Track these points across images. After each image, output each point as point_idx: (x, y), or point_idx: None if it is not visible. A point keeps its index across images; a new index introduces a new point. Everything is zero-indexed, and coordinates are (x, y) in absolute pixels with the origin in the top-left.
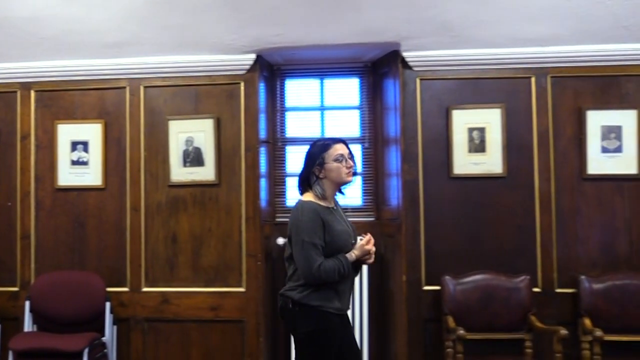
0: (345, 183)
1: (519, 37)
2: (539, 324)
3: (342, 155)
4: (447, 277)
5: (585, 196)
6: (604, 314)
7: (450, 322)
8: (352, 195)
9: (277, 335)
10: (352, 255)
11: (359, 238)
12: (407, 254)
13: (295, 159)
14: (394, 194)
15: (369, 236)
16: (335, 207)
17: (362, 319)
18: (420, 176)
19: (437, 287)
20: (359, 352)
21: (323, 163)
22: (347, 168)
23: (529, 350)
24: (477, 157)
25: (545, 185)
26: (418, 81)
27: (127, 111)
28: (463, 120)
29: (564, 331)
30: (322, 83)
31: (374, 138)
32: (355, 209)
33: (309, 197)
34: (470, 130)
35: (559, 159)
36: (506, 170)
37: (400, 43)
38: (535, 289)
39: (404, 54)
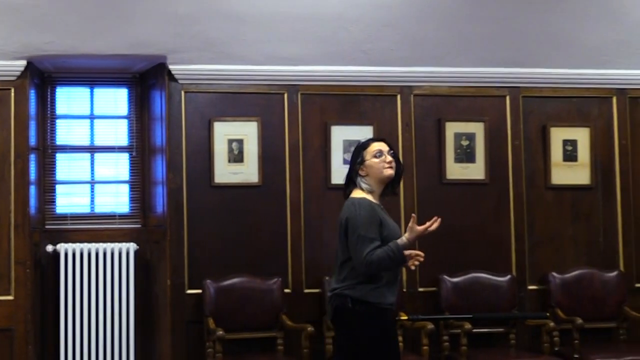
0: (386, 178)
1: (274, 56)
2: (289, 323)
3: (380, 151)
4: (209, 281)
5: (329, 204)
6: None
7: (211, 323)
8: (119, 202)
9: (45, 342)
10: (403, 239)
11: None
12: (172, 259)
13: (65, 167)
14: (160, 202)
15: (434, 219)
16: (382, 206)
17: (129, 323)
18: (184, 184)
19: (199, 291)
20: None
21: (364, 160)
22: (387, 163)
23: (280, 347)
24: (236, 167)
25: (296, 194)
26: (183, 93)
27: None
28: (223, 131)
29: (310, 328)
30: (92, 92)
31: (142, 147)
32: (122, 216)
33: (359, 194)
34: (230, 141)
35: (308, 170)
36: (261, 180)
37: (167, 56)
38: (287, 290)
39: (170, 67)
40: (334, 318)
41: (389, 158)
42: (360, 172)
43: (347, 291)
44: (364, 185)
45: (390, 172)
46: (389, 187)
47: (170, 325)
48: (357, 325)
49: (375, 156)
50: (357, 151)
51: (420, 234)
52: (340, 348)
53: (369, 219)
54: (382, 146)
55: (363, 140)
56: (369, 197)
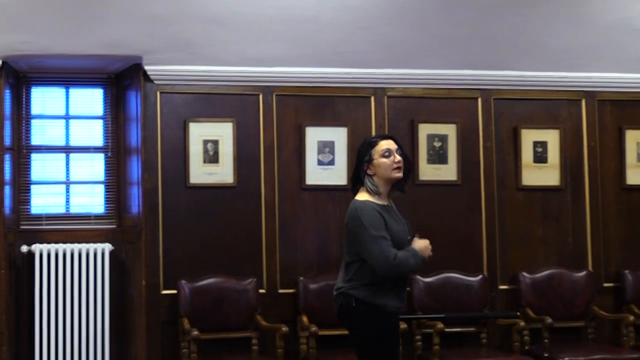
0: (394, 179)
1: (249, 57)
2: (264, 323)
3: (389, 150)
4: (183, 281)
5: (304, 204)
6: (318, 311)
7: (186, 324)
8: (95, 202)
9: (20, 343)
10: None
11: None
12: (147, 260)
13: (40, 167)
14: (135, 202)
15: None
16: (390, 205)
17: (104, 323)
18: (159, 185)
19: (174, 291)
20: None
21: (371, 159)
22: (395, 163)
23: (255, 347)
24: (211, 167)
25: (270, 195)
26: (158, 94)
27: None
28: (199, 132)
29: (285, 328)
30: (67, 92)
31: (117, 147)
32: (97, 216)
33: (363, 196)
34: (205, 142)
35: (282, 171)
36: (236, 180)
37: (143, 57)
38: (261, 290)
39: (146, 68)
40: (339, 316)
41: (398, 158)
42: (368, 171)
43: (351, 291)
44: (370, 186)
45: (398, 174)
46: (396, 185)
47: (145, 326)
48: (359, 324)
49: (383, 155)
50: (365, 149)
51: (425, 246)
52: (353, 345)
53: (374, 219)
54: (390, 145)
55: (371, 137)
56: (374, 199)
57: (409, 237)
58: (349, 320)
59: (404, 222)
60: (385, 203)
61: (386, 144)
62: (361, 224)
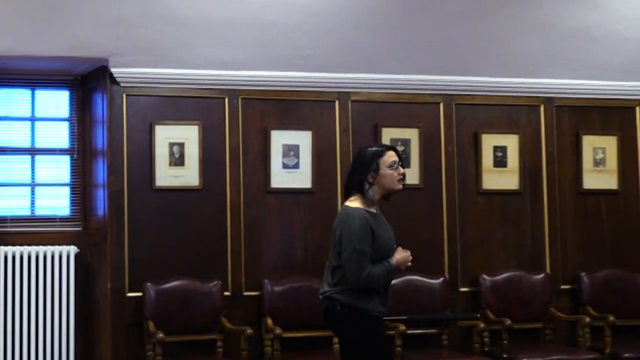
0: (396, 190)
1: (215, 60)
2: (228, 325)
3: (395, 162)
4: (149, 284)
5: (268, 207)
6: (283, 313)
7: (151, 326)
8: (60, 205)
9: None
10: (394, 260)
11: None
12: (112, 262)
13: (5, 168)
14: (100, 205)
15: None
16: (378, 213)
17: (69, 326)
18: (125, 187)
19: (140, 294)
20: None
21: (378, 169)
22: (399, 175)
23: (220, 350)
24: (177, 170)
25: (236, 198)
26: (124, 96)
27: None
28: (165, 135)
29: (249, 330)
30: (33, 94)
31: (83, 150)
32: (62, 219)
33: (356, 203)
34: (171, 144)
35: (248, 174)
36: (202, 183)
37: (109, 59)
38: (226, 293)
39: (112, 70)
40: (324, 319)
41: (402, 170)
42: (370, 180)
43: (337, 295)
44: (370, 195)
45: (401, 186)
46: (386, 194)
47: (111, 328)
48: (344, 328)
49: (390, 167)
50: (371, 158)
51: (405, 257)
52: (341, 348)
53: (363, 231)
54: (395, 157)
55: (374, 147)
56: (366, 207)
57: (395, 245)
58: (334, 324)
59: (390, 228)
60: (375, 211)
61: (393, 156)
62: (350, 232)
